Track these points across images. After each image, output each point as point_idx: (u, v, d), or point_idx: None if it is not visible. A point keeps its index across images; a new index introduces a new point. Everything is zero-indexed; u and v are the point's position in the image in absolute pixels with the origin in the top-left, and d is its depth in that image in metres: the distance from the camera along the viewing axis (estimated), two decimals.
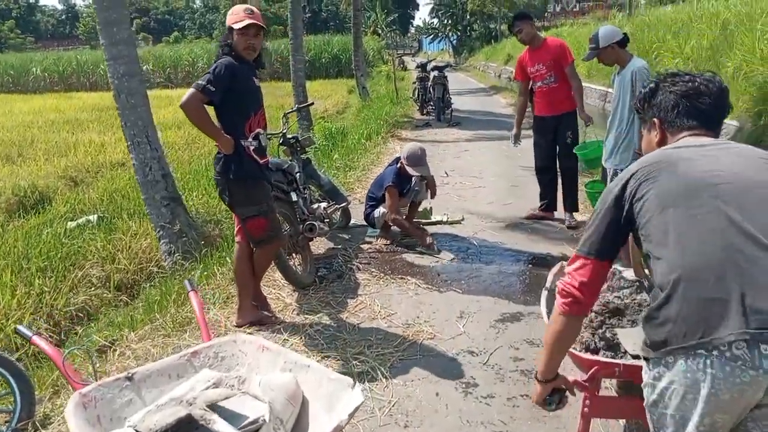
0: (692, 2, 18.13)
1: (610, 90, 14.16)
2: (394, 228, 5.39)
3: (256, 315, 3.86)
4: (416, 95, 14.47)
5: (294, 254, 4.51)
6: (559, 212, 5.85)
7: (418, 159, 5.16)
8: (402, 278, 4.59)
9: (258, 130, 3.62)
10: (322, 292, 4.34)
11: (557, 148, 5.63)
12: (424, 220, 5.87)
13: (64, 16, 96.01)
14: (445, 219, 5.91)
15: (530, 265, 4.83)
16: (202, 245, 6.20)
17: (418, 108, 14.63)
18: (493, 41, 44.99)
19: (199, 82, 3.33)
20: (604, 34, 4.38)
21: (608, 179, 4.53)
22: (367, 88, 18.71)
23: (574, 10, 54.67)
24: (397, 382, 3.18)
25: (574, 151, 5.35)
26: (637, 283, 2.62)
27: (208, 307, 4.17)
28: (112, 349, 3.85)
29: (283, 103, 18.66)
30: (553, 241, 5.35)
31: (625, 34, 4.41)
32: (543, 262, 4.89)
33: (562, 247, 5.17)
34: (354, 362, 3.35)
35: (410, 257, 5.03)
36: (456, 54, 50.00)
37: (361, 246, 5.32)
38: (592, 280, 1.69)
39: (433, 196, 5.51)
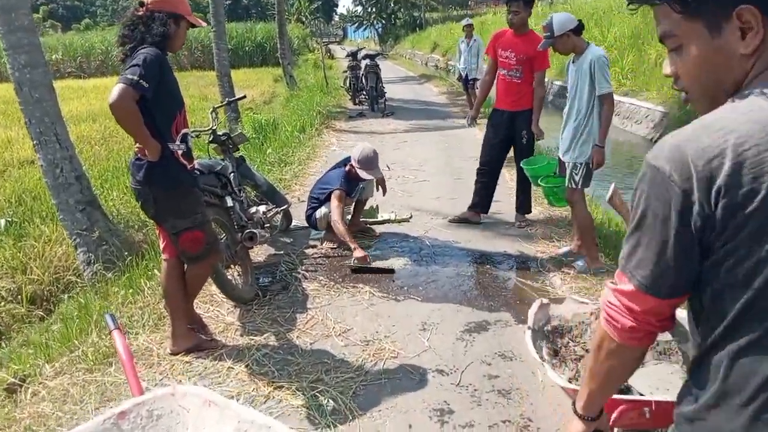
0: None
1: (556, 81, 14.25)
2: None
3: (193, 340, 3.37)
4: (348, 84, 14.02)
5: (232, 266, 4.03)
6: (502, 212, 5.61)
7: (370, 161, 4.76)
8: (354, 287, 4.19)
9: (184, 130, 3.13)
10: (266, 308, 3.89)
11: (510, 147, 5.29)
12: (370, 220, 5.49)
13: None
14: (392, 217, 5.55)
15: (488, 266, 4.54)
16: (125, 253, 5.61)
17: (350, 97, 14.18)
18: (418, 29, 45.00)
19: (128, 75, 2.77)
20: (558, 21, 4.10)
21: (567, 174, 4.29)
22: (294, 77, 18.10)
23: None
24: (364, 413, 2.79)
25: (521, 164, 5.04)
26: None
27: (136, 331, 3.64)
28: (23, 388, 3.27)
29: (207, 93, 17.81)
30: (508, 237, 5.09)
31: (579, 21, 4.16)
32: (500, 261, 4.62)
33: (519, 244, 4.92)
34: (312, 393, 2.94)
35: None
36: (381, 42, 49.70)
37: (305, 251, 4.88)
38: (648, 311, 1.11)
39: (384, 194, 5.13)
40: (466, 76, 11.11)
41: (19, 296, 6.21)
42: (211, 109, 4.69)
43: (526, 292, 4.07)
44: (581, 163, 4.22)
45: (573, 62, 4.24)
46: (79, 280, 6.00)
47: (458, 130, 10.29)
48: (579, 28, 4.12)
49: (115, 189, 7.63)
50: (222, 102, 4.95)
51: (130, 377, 2.01)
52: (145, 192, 3.01)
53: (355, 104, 13.78)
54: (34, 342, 5.05)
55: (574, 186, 4.26)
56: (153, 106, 2.92)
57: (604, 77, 4.03)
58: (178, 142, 3.05)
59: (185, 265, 3.27)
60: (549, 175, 4.83)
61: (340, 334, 3.54)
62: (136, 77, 2.77)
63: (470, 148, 8.65)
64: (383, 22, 50.68)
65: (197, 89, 18.96)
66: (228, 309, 3.91)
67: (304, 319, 3.74)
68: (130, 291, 4.21)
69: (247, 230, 3.97)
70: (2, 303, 5.90)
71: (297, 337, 3.53)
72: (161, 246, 3.31)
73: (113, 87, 2.78)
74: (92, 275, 5.66)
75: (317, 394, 2.93)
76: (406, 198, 6.27)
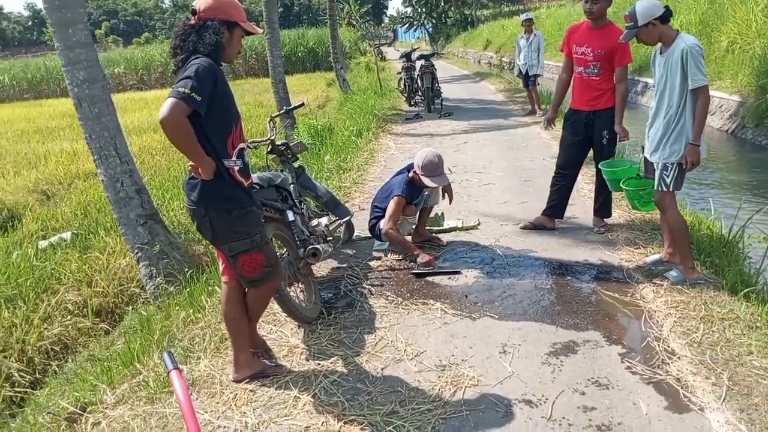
0: None
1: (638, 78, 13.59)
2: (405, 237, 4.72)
3: (256, 366, 3.16)
4: (402, 86, 13.73)
5: (295, 283, 3.80)
6: (579, 217, 5.20)
7: (435, 167, 4.47)
8: (424, 303, 3.90)
9: (241, 144, 2.90)
10: (332, 327, 3.65)
11: (589, 149, 4.88)
12: (436, 228, 5.19)
13: (30, 23, 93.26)
14: (459, 225, 5.23)
15: (568, 277, 4.17)
16: (186, 266, 5.52)
17: (405, 99, 13.89)
18: (469, 27, 44.37)
19: (179, 88, 2.55)
20: (642, 9, 3.70)
21: (657, 175, 3.88)
22: (347, 81, 17.98)
23: None
24: None
25: (600, 166, 4.63)
26: None
27: (197, 355, 3.46)
28: (84, 418, 3.12)
29: (262, 100, 17.90)
30: (587, 244, 4.69)
31: (666, 7, 3.74)
32: (581, 271, 4.23)
33: (600, 252, 4.52)
34: (387, 430, 2.66)
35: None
36: (432, 42, 49.22)
37: (370, 263, 4.62)
38: None
39: (450, 201, 4.82)
40: (527, 72, 10.68)
41: (85, 309, 6.23)
42: (269, 118, 4.48)
43: (615, 308, 3.69)
44: (672, 164, 3.80)
45: (660, 53, 3.83)
46: (142, 292, 5.96)
47: (520, 129, 9.87)
48: (666, 16, 3.71)
49: (175, 199, 7.61)
50: (279, 110, 4.74)
51: (189, 422, 1.79)
52: (201, 213, 2.80)
53: (410, 105, 13.48)
54: (98, 357, 5.02)
55: (664, 188, 3.85)
56: (207, 121, 2.70)
57: (698, 68, 3.61)
58: (234, 158, 2.83)
59: (246, 288, 3.05)
60: (631, 177, 4.42)
61: (412, 358, 3.25)
62: (187, 90, 2.56)
63: (535, 148, 8.25)
64: (433, 21, 50.16)
65: (252, 96, 19.10)
66: (292, 329, 3.69)
67: (372, 340, 3.48)
68: (191, 311, 4.02)
69: (310, 246, 3.73)
70: (69, 316, 5.91)
71: (366, 361, 3.26)
72: (220, 268, 3.11)
73: (164, 102, 2.58)
74: (155, 289, 5.59)
75: (392, 430, 2.65)
76: (472, 203, 5.93)
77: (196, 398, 3.03)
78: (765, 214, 4.90)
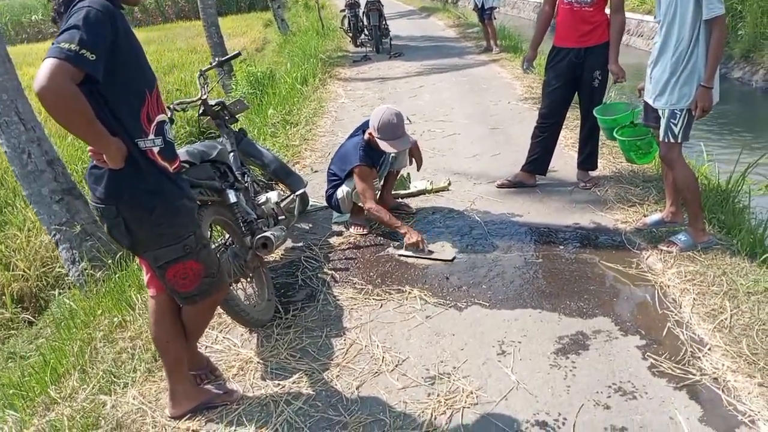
0: None
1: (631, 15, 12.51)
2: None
3: (199, 396, 2.50)
4: (347, 25, 12.73)
5: (243, 279, 3.11)
6: (563, 171, 4.63)
7: (394, 129, 3.73)
8: (399, 290, 3.29)
9: (160, 116, 2.14)
10: (291, 331, 3.00)
11: (575, 92, 4.24)
12: (402, 191, 4.54)
13: None
14: (429, 186, 4.59)
15: (560, 246, 3.61)
16: (115, 248, 4.76)
17: (350, 40, 12.92)
18: None
19: (62, 44, 1.78)
20: None
21: (663, 124, 3.30)
22: (286, 21, 16.78)
23: None
24: None
25: (594, 112, 4.00)
26: None
27: (123, 382, 2.77)
28: None
29: (195, 45, 16.57)
30: (575, 204, 4.14)
31: None
32: (575, 238, 3.69)
33: (591, 213, 3.98)
34: None
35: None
36: None
37: (330, 241, 3.96)
38: None
39: (419, 166, 4.16)
40: (482, 4, 9.91)
41: (3, 297, 5.47)
42: (199, 74, 3.67)
43: (621, 283, 3.17)
44: (682, 110, 3.23)
45: None
46: (68, 274, 5.21)
47: (478, 68, 9.19)
48: None
49: None
50: (212, 63, 3.93)
51: None
52: (112, 214, 2.05)
53: (356, 46, 12.54)
54: (20, 355, 4.32)
55: (671, 139, 3.29)
56: (107, 88, 1.93)
57: None
58: (152, 136, 2.08)
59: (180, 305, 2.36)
60: (624, 125, 3.85)
61: (393, 369, 2.66)
62: (74, 46, 1.77)
63: (498, 89, 7.62)
64: None
65: (185, 41, 17.73)
66: (242, 336, 3.03)
67: (342, 345, 2.86)
68: (116, 320, 3.31)
69: (260, 235, 3.03)
70: None
71: (337, 376, 2.65)
72: (145, 278, 2.40)
73: (41, 65, 1.79)
74: (78, 275, 4.83)
75: None
76: (439, 158, 5.28)
77: None
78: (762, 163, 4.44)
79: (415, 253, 3.64)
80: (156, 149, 2.08)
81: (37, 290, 5.69)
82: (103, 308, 3.60)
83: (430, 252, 3.65)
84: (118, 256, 4.45)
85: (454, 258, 3.56)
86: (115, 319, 3.37)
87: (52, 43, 1.83)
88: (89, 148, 2.04)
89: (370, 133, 3.82)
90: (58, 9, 1.98)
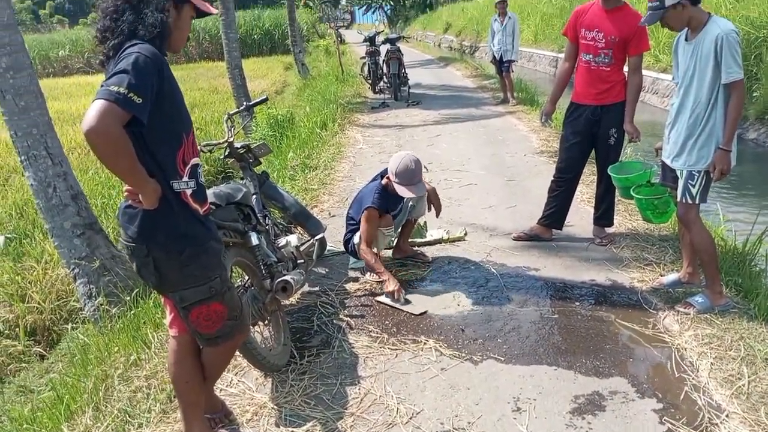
0: None
1: (560, 55, 12.76)
2: (384, 254, 4.10)
3: None
4: (367, 72, 13.01)
5: (260, 322, 3.14)
6: (578, 226, 4.66)
7: (412, 175, 3.81)
8: (414, 340, 3.29)
9: (194, 159, 2.21)
10: (306, 377, 3.00)
11: (592, 149, 4.31)
12: (419, 240, 4.58)
13: None
14: (445, 236, 4.63)
15: (576, 303, 3.62)
16: (131, 283, 4.81)
17: (369, 86, 13.18)
18: (428, 9, 43.66)
19: (112, 87, 1.86)
20: None
21: (681, 185, 3.34)
22: (306, 65, 17.16)
23: None
24: None
25: (609, 170, 4.04)
26: None
27: (138, 422, 2.77)
28: None
29: (217, 85, 16.92)
30: (591, 261, 4.16)
31: None
32: (591, 296, 3.69)
33: (608, 270, 3.98)
34: None
35: (416, 300, 3.72)
36: (391, 24, 48.32)
37: (346, 286, 3.98)
38: None
39: (438, 213, 4.21)
40: (501, 57, 10.11)
41: (17, 328, 5.48)
42: (226, 116, 3.77)
43: (638, 344, 3.15)
44: (699, 172, 3.27)
45: (687, 40, 3.28)
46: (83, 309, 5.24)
47: (495, 119, 9.33)
48: None
49: (120, 201, 6.80)
50: (239, 107, 4.02)
51: None
52: (142, 253, 2.11)
53: (375, 93, 12.78)
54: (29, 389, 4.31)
55: (689, 200, 3.32)
56: (149, 131, 2.01)
57: (734, 59, 3.07)
58: (186, 179, 2.15)
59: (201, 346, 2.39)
60: (642, 184, 3.89)
61: (408, 421, 2.65)
62: (123, 89, 1.85)
63: (514, 141, 7.72)
64: (392, 3, 49.23)
65: (207, 81, 18.10)
66: (257, 380, 3.04)
67: (356, 394, 2.86)
68: (132, 358, 3.32)
69: (279, 279, 3.07)
70: None
71: (350, 426, 2.64)
72: (167, 319, 2.43)
73: (90, 106, 1.87)
74: (94, 310, 4.86)
75: None
76: (455, 208, 5.33)
77: None
78: None
79: (391, 302, 3.69)
80: (189, 191, 2.15)
81: (51, 323, 5.71)
82: (119, 345, 3.61)
83: (406, 302, 3.70)
84: (134, 292, 4.49)
85: (425, 312, 3.60)
86: (131, 356, 3.39)
87: (101, 85, 1.91)
88: (125, 187, 2.11)
89: (387, 178, 3.90)
90: (107, 53, 2.08)
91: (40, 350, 5.26)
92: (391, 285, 3.72)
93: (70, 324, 5.38)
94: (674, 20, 3.22)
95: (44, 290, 5.82)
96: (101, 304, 4.74)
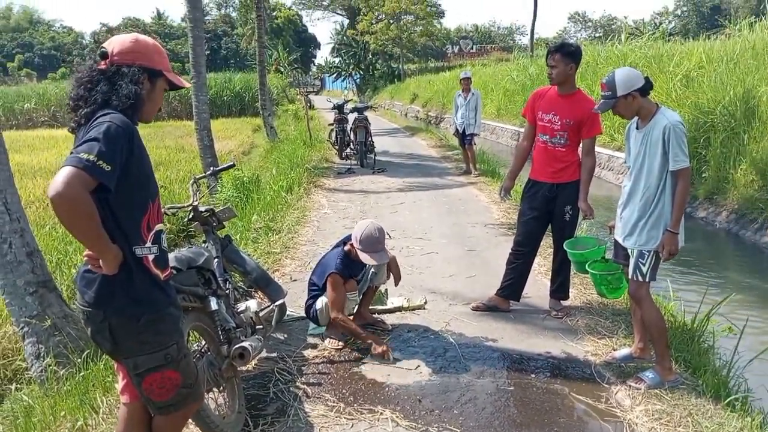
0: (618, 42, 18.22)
1: (521, 129, 13.24)
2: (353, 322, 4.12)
3: None
4: (334, 138, 13.27)
5: (215, 388, 3.09)
6: (534, 297, 4.77)
7: (375, 243, 3.90)
8: (371, 410, 3.27)
9: (159, 225, 2.24)
10: None
11: (548, 224, 4.49)
12: (380, 307, 4.61)
13: None
14: (405, 304, 4.68)
15: (532, 375, 3.67)
16: (82, 344, 4.67)
17: (336, 152, 13.41)
18: (396, 80, 45.05)
19: (82, 154, 1.90)
20: (622, 78, 3.37)
21: (632, 264, 3.49)
22: (275, 128, 17.40)
23: (471, 51, 56.20)
24: None
25: (565, 246, 4.21)
26: None
27: None
28: None
29: (184, 144, 16.97)
30: (546, 332, 4.24)
31: (647, 78, 3.43)
32: (546, 368, 3.75)
33: (562, 343, 4.06)
34: None
35: (374, 369, 3.74)
36: (360, 92, 49.59)
37: (304, 353, 3.96)
38: None
39: (397, 282, 4.26)
40: (464, 131, 10.47)
41: None
42: (192, 180, 3.82)
43: (590, 417, 3.20)
44: (649, 251, 3.42)
45: (637, 128, 3.50)
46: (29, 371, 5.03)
47: (457, 189, 9.57)
48: (646, 88, 3.39)
49: (75, 258, 6.66)
50: (206, 172, 4.08)
51: None
52: (98, 318, 2.09)
53: (342, 159, 13.01)
54: None
55: (640, 278, 3.46)
56: (115, 198, 2.04)
57: (681, 148, 3.28)
58: (149, 244, 2.16)
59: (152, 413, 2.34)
60: (596, 260, 4.03)
61: None
62: (92, 157, 1.89)
63: (475, 212, 7.90)
64: (361, 72, 50.69)
65: (174, 140, 18.14)
66: None
67: None
68: (81, 414, 3.22)
69: (237, 345, 3.05)
70: None
71: None
72: (119, 385, 2.39)
73: (58, 172, 1.90)
74: (41, 371, 4.68)
75: None
76: (416, 276, 5.40)
77: None
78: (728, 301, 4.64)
79: (381, 362, 3.77)
80: (151, 257, 2.16)
81: None
82: (65, 409, 3.49)
83: (396, 360, 3.80)
84: (85, 354, 4.37)
85: (419, 366, 3.74)
86: (78, 422, 3.28)
87: (71, 152, 1.95)
88: (86, 252, 2.11)
89: (351, 245, 3.97)
90: (79, 120, 2.12)
91: None
92: (380, 347, 3.83)
93: (14, 384, 5.17)
94: (625, 109, 3.44)
95: None
96: (49, 365, 4.58)
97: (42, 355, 4.74)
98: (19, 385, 5.03)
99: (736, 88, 9.88)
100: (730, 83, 10.17)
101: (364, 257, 3.89)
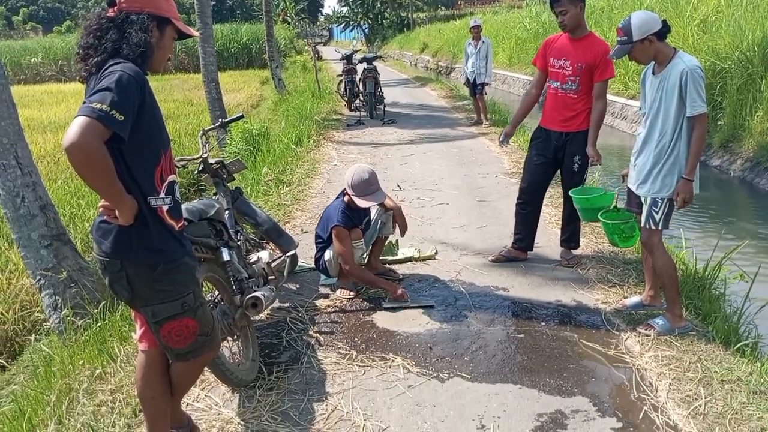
0: None
1: (616, 98, 12.84)
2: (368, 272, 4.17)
3: None
4: (343, 90, 13.11)
5: (229, 338, 3.14)
6: (545, 248, 4.77)
7: (366, 186, 3.89)
8: (383, 357, 3.33)
9: (171, 176, 2.24)
10: (273, 392, 3.02)
11: (555, 172, 4.45)
12: (390, 258, 4.63)
13: None
14: (416, 254, 4.69)
15: (542, 323, 3.70)
16: (98, 295, 4.76)
17: (345, 103, 13.28)
18: (405, 29, 44.20)
19: (95, 104, 1.88)
20: (638, 23, 3.27)
21: (645, 211, 3.46)
22: (283, 80, 17.21)
23: None
24: None
25: (570, 193, 4.16)
26: None
27: None
28: None
29: (192, 97, 16.87)
30: (557, 281, 4.25)
31: (664, 21, 3.32)
32: (556, 316, 3.78)
33: (573, 291, 4.08)
34: None
35: (385, 318, 3.78)
36: (369, 43, 48.78)
37: (316, 303, 4.01)
38: None
39: (403, 232, 4.26)
40: (474, 80, 10.29)
41: None
42: (201, 132, 3.80)
43: (600, 364, 3.23)
44: (663, 199, 3.39)
45: (653, 73, 3.41)
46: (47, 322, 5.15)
47: (468, 141, 9.48)
48: (664, 32, 3.29)
49: (90, 209, 6.72)
50: (215, 123, 4.05)
51: None
52: (115, 268, 2.11)
53: (351, 110, 12.89)
54: None
55: (652, 226, 3.44)
56: (129, 148, 2.03)
57: (698, 93, 3.20)
58: (162, 195, 2.17)
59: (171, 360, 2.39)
60: (607, 208, 3.99)
61: None
62: (105, 106, 1.87)
63: (486, 163, 7.85)
64: (369, 22, 49.72)
65: (182, 93, 18.04)
66: (224, 394, 3.04)
67: (323, 411, 2.88)
68: (98, 372, 3.29)
69: (250, 294, 3.09)
70: None
71: None
72: (137, 333, 2.43)
73: (72, 122, 1.89)
74: (59, 322, 4.79)
75: None
76: (427, 227, 5.41)
77: None
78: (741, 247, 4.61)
79: (400, 304, 3.90)
80: (165, 208, 2.17)
81: (14, 334, 5.60)
82: (83, 358, 3.58)
83: (414, 302, 3.94)
84: (101, 305, 4.45)
85: (434, 306, 3.91)
86: (96, 370, 3.36)
87: (83, 102, 1.94)
88: (101, 203, 2.12)
89: (347, 193, 3.97)
90: (89, 70, 2.10)
91: (2, 361, 5.15)
92: (398, 290, 3.95)
93: (33, 335, 5.29)
94: (641, 54, 3.35)
95: (7, 300, 5.71)
96: (66, 316, 4.67)
97: (59, 306, 4.83)
98: (38, 336, 5.16)
99: (754, 32, 9.60)
100: (748, 27, 9.88)
101: (360, 201, 3.90)
